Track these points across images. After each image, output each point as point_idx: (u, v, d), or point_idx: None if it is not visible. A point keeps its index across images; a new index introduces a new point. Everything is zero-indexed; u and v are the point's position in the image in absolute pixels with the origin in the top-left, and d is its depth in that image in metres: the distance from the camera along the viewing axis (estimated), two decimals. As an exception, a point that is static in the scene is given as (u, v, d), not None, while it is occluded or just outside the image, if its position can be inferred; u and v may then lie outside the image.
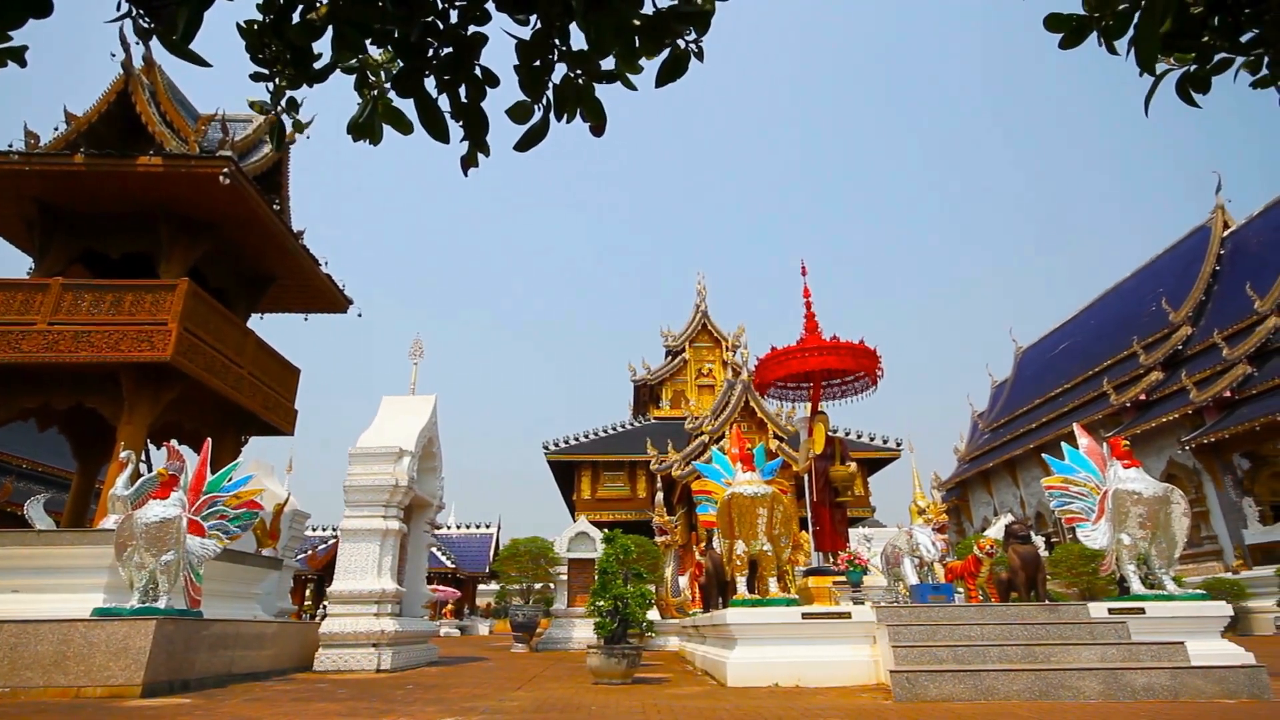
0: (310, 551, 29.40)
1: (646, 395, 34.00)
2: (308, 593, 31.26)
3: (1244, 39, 1.70)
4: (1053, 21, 1.72)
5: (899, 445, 28.69)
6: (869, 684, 6.98)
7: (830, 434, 12.52)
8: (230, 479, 8.60)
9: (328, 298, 14.45)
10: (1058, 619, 7.27)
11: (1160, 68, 1.76)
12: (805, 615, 7.54)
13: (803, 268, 13.11)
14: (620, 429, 31.12)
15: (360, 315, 15.19)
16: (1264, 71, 1.73)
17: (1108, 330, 33.78)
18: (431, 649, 11.96)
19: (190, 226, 11.29)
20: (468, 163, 1.78)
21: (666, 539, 17.67)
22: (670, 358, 34.26)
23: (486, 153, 1.79)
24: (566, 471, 30.46)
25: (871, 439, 29.08)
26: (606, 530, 9.56)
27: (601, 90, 1.72)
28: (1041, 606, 7.64)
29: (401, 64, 1.58)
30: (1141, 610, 7.33)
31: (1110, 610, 7.40)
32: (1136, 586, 7.77)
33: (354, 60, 1.59)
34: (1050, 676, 6.00)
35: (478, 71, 1.63)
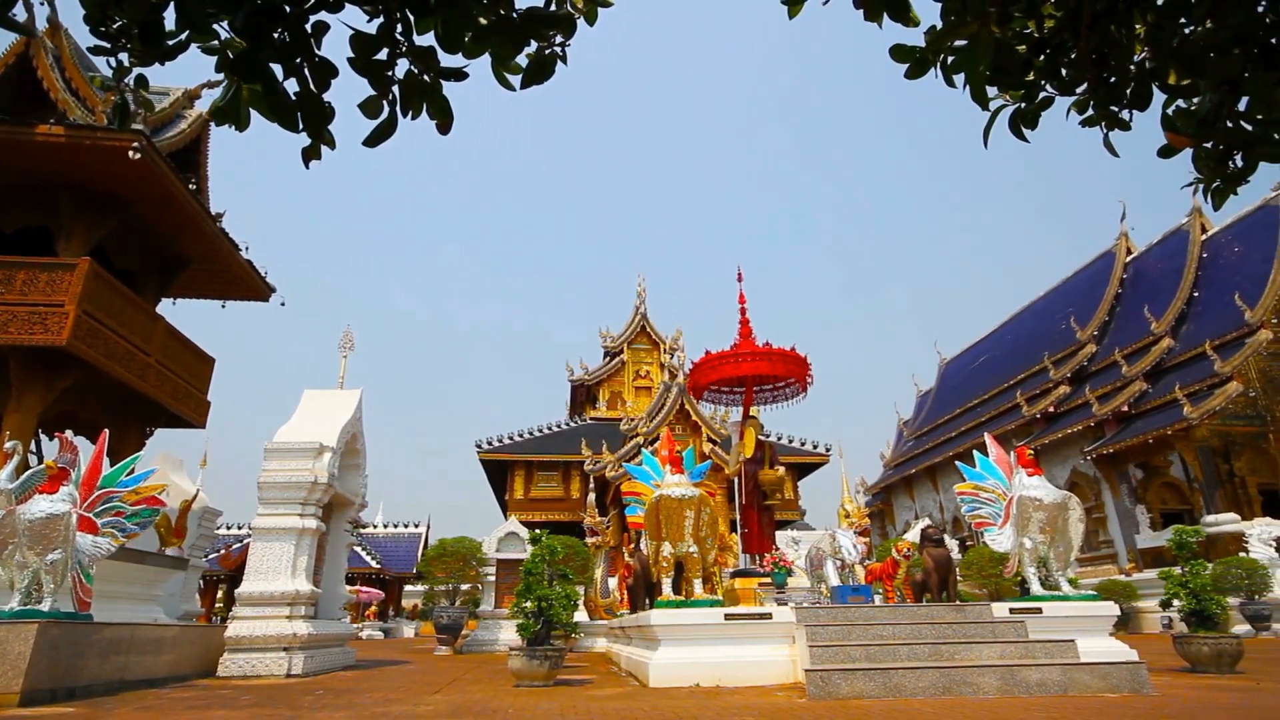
0: (223, 551, 27.94)
1: (584, 396, 33.87)
2: (219, 594, 29.71)
3: (1067, 78, 1.82)
4: (898, 52, 1.78)
5: (828, 450, 29.56)
6: (787, 683, 7.14)
7: (761, 438, 12.78)
8: (130, 473, 8.08)
9: (247, 284, 13.76)
10: (964, 619, 7.62)
11: (998, 103, 1.87)
12: (728, 616, 7.66)
13: (739, 274, 13.33)
14: (556, 429, 30.87)
15: (284, 304, 14.57)
16: (1090, 111, 1.86)
17: (1023, 345, 35.74)
18: (348, 652, 11.54)
19: (94, 202, 10.54)
20: (308, 155, 1.70)
21: (597, 540, 17.62)
22: (608, 359, 34.23)
23: (331, 145, 1.71)
24: (500, 471, 29.99)
25: (802, 444, 29.85)
26: (537, 531, 9.45)
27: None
28: (950, 607, 8.00)
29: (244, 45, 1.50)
30: (1039, 610, 7.75)
31: (1011, 610, 7.80)
32: (1036, 588, 8.23)
33: (214, 41, 1.50)
34: (953, 674, 6.28)
35: (318, 61, 1.56)
